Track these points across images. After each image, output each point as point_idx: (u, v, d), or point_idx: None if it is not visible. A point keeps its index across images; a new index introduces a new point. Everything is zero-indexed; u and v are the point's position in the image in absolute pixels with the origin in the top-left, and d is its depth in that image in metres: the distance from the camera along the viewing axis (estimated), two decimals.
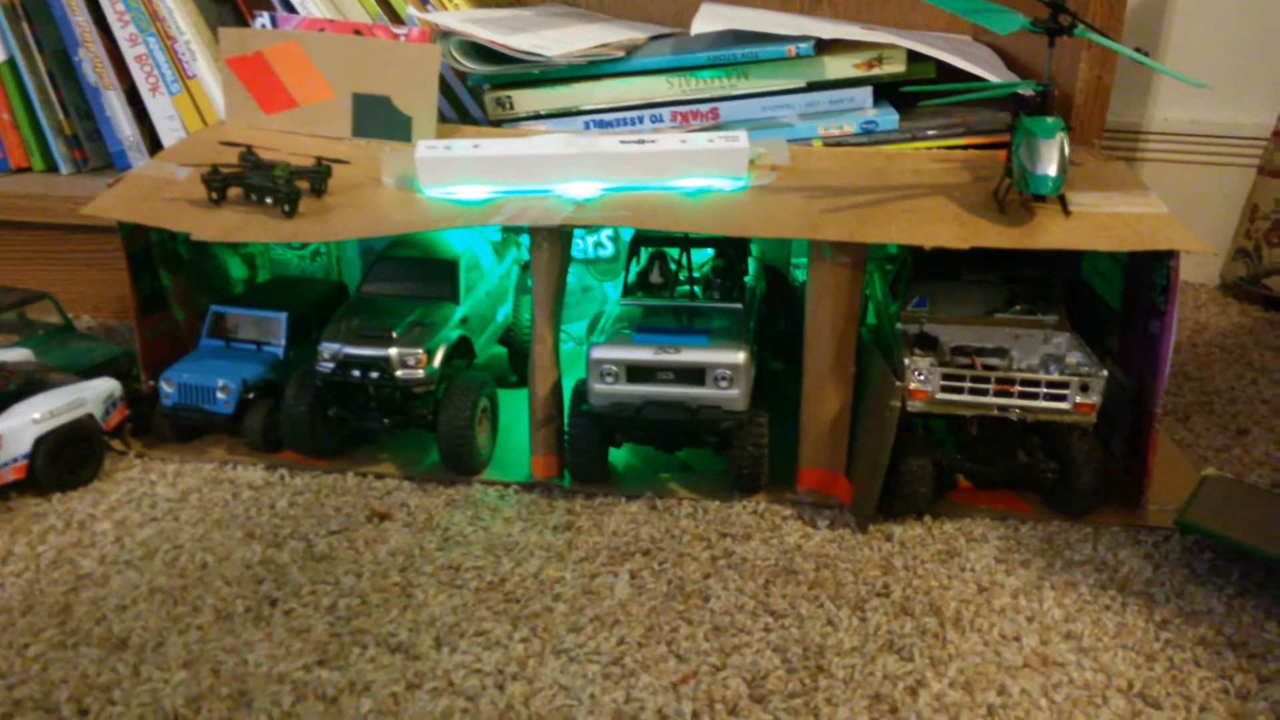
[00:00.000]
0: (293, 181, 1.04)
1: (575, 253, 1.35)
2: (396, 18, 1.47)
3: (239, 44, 1.22)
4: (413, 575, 0.90)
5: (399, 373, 1.00)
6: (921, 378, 0.96)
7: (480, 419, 1.05)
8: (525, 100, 1.35)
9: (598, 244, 1.34)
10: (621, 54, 1.33)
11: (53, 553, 0.91)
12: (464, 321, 1.10)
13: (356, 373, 1.01)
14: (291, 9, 1.37)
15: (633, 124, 1.36)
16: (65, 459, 1.00)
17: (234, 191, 1.06)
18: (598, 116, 1.36)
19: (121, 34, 1.43)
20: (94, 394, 1.03)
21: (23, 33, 1.45)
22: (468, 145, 1.11)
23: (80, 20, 1.43)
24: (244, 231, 1.01)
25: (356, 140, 1.23)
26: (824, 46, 1.29)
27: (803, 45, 1.28)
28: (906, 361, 0.97)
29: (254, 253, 1.29)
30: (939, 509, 1.01)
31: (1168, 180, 1.72)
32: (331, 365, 1.01)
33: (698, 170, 1.11)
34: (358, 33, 1.23)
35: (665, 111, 1.35)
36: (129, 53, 1.43)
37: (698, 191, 1.11)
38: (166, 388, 1.07)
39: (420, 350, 1.01)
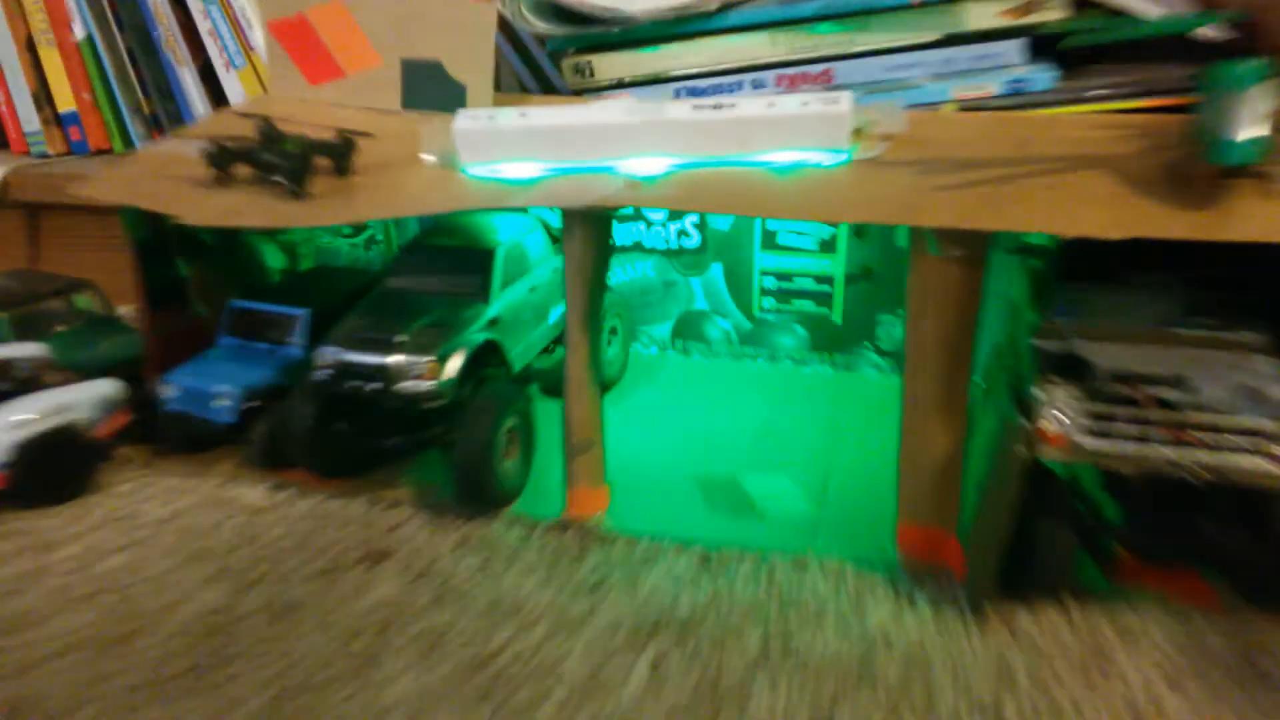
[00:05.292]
0: (307, 157, 0.89)
1: (657, 243, 1.15)
2: None
3: (282, 5, 1.09)
4: (387, 640, 0.73)
5: (401, 385, 0.84)
6: (1061, 416, 0.71)
7: (509, 442, 0.88)
8: (606, 66, 1.16)
9: (681, 232, 1.14)
10: (715, 6, 1.12)
11: (9, 580, 0.80)
12: (494, 323, 0.92)
13: (355, 383, 0.85)
14: None
15: (730, 91, 1.15)
16: (48, 468, 0.89)
17: (245, 170, 0.92)
18: (690, 84, 1.16)
19: (194, 6, 1.34)
20: (86, 397, 0.92)
21: (101, 8, 1.38)
22: (514, 114, 0.93)
23: None
24: (243, 215, 0.87)
25: (409, 114, 1.08)
26: None
27: None
28: (1040, 393, 0.72)
29: (295, 240, 1.16)
30: (1085, 591, 0.76)
31: None
32: (328, 373, 0.86)
33: (787, 141, 0.89)
34: None
35: (769, 75, 1.13)
36: (201, 26, 1.34)
37: (788, 168, 0.89)
38: (168, 391, 0.95)
39: (428, 358, 0.84)
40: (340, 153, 0.93)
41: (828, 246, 1.10)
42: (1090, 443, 0.71)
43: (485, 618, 0.75)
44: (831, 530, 0.86)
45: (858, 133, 0.91)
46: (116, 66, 1.40)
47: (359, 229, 1.17)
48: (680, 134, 0.90)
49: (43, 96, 1.43)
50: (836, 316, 1.12)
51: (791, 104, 0.91)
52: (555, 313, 1.05)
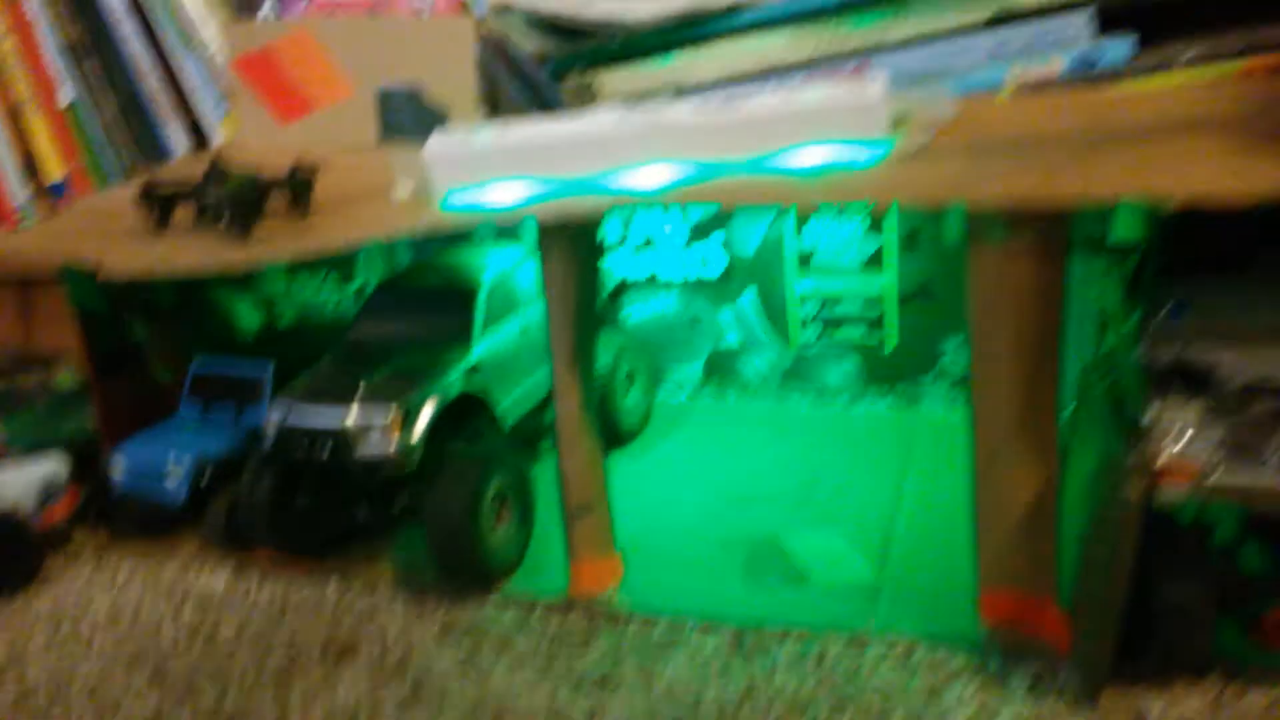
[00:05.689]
0: (255, 195, 0.78)
1: (675, 273, 1.01)
2: None
3: (247, 40, 0.99)
4: None
5: (360, 450, 0.70)
6: (1184, 440, 0.55)
7: (498, 508, 0.74)
8: (611, 83, 1.04)
9: (703, 259, 0.99)
10: (724, 5, 1.00)
11: None
12: (474, 371, 0.78)
13: (305, 444, 0.72)
14: None
15: None
16: None
17: (185, 214, 0.81)
18: (706, 95, 1.03)
19: (173, 61, 1.26)
20: (22, 482, 0.81)
21: (87, 71, 1.31)
22: (492, 130, 0.81)
23: (136, 50, 1.28)
24: (175, 261, 0.75)
25: (386, 148, 0.97)
26: None
27: None
28: (1153, 415, 0.56)
29: (273, 295, 1.04)
30: (1234, 666, 0.58)
31: None
32: (273, 436, 0.73)
33: (811, 135, 0.75)
34: (373, 11, 0.97)
35: (795, 78, 1.00)
36: (184, 81, 1.26)
37: (816, 170, 0.75)
38: (117, 467, 0.83)
39: (388, 417, 0.70)
40: (297, 189, 0.81)
41: (874, 263, 0.95)
42: (1223, 474, 0.55)
43: None
44: (896, 600, 0.70)
45: (898, 123, 0.77)
46: (105, 130, 1.32)
47: (346, 277, 1.05)
48: (685, 139, 0.77)
49: (30, 167, 1.36)
50: (891, 344, 0.97)
51: (814, 93, 0.77)
52: None
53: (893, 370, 0.98)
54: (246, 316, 1.02)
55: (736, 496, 0.86)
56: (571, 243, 0.68)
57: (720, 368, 1.03)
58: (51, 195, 1.36)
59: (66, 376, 1.03)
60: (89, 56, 1.31)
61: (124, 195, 0.88)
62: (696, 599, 0.71)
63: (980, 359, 0.60)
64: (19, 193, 1.37)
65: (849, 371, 0.99)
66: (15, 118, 1.34)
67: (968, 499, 0.63)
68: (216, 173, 0.81)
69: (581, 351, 0.69)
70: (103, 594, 0.79)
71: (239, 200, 0.76)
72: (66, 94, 1.33)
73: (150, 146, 1.32)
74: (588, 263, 0.69)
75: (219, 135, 1.25)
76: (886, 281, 0.95)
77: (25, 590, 0.80)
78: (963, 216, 0.60)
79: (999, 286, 0.59)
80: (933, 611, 0.67)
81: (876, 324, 0.97)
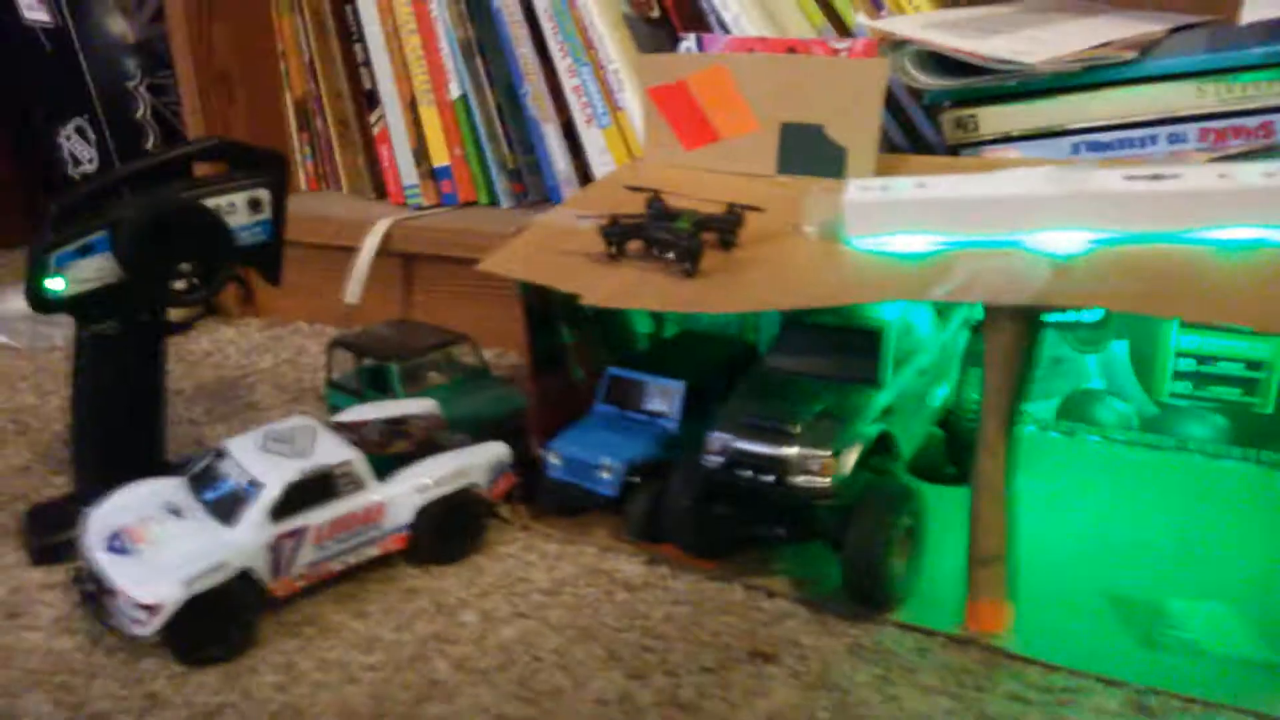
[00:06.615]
0: (697, 235, 0.88)
1: (1051, 314, 1.04)
2: (845, 29, 1.27)
3: (661, 72, 1.09)
4: None
5: (797, 479, 0.80)
6: None
7: (901, 542, 0.82)
8: (993, 119, 1.08)
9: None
10: (1133, 55, 1.00)
11: (414, 645, 0.84)
12: (887, 412, 0.86)
13: (747, 473, 0.82)
14: (725, 28, 1.22)
15: (1140, 146, 1.03)
16: (446, 531, 0.93)
17: (635, 244, 0.92)
18: (1091, 137, 1.05)
19: (561, 65, 1.39)
20: (481, 461, 0.95)
21: (476, 68, 1.46)
22: (910, 184, 0.87)
23: (524, 52, 1.41)
24: (637, 296, 0.86)
25: (782, 179, 1.04)
26: None
27: None
28: None
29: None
30: None
31: None
32: (720, 459, 0.83)
33: (1243, 218, 0.77)
34: (791, 50, 1.04)
35: (1191, 129, 1.00)
36: (567, 84, 1.38)
37: (1240, 245, 0.77)
38: (553, 460, 0.97)
39: (826, 453, 0.79)
40: (727, 228, 0.90)
41: None
42: None
43: None
44: None
45: None
46: (486, 123, 1.48)
47: None
48: (1109, 206, 0.80)
49: (421, 152, 1.53)
50: (1268, 406, 0.97)
51: (1251, 173, 0.78)
52: (938, 396, 0.97)
53: (1265, 433, 0.98)
54: (641, 323, 1.13)
55: (1106, 547, 0.90)
56: (1018, 318, 0.74)
57: (1077, 409, 1.06)
58: (435, 178, 1.54)
59: (461, 353, 1.17)
60: (479, 55, 1.45)
61: (567, 219, 1.00)
62: (1087, 651, 0.77)
63: None
64: (410, 174, 1.55)
65: (1217, 428, 1.00)
66: (413, 108, 1.52)
67: None
68: (661, 209, 0.92)
69: (1014, 416, 0.75)
70: (539, 567, 0.93)
71: (689, 241, 0.86)
72: (456, 88, 1.49)
73: (524, 143, 1.46)
74: (1030, 337, 0.75)
75: (596, 140, 1.37)
76: (1276, 347, 0.95)
77: (472, 557, 0.95)
78: None
79: None
80: None
81: (1254, 387, 0.97)
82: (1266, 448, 0.98)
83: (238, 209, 1.00)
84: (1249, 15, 0.96)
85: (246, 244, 1.01)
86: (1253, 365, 0.97)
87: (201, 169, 1.07)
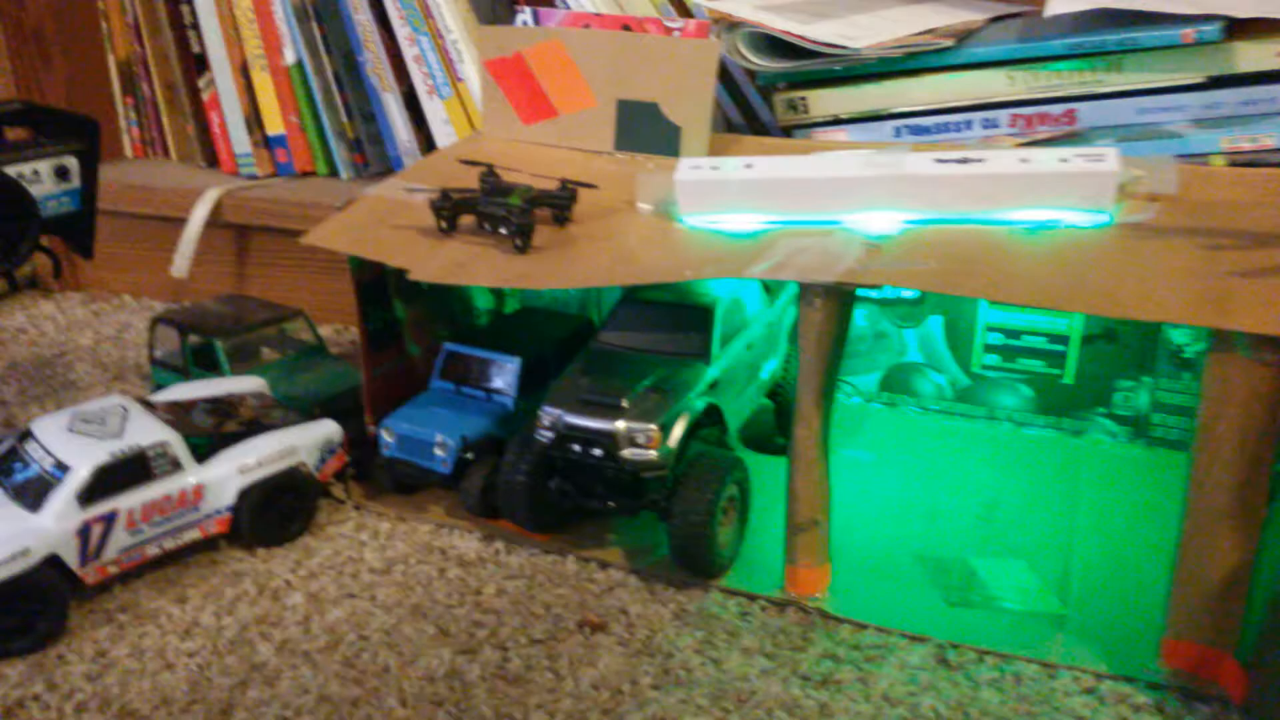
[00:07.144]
0: (529, 211, 0.87)
1: (871, 290, 1.09)
2: (684, 10, 1.28)
3: (499, 44, 1.08)
4: None
5: (625, 452, 0.81)
6: None
7: (726, 511, 0.84)
8: (823, 102, 1.11)
9: None
10: (950, 42, 1.05)
11: (235, 628, 0.81)
12: (714, 386, 0.89)
13: (577, 447, 0.83)
14: (565, 3, 1.22)
15: (957, 130, 1.08)
16: (271, 512, 0.91)
17: (468, 219, 0.91)
18: (913, 121, 1.09)
19: (401, 32, 1.35)
20: (309, 440, 0.93)
21: (311, 33, 1.41)
22: (738, 165, 0.89)
23: (363, 19, 1.37)
24: (466, 272, 0.86)
25: (619, 155, 1.05)
26: (1237, 28, 0.94)
27: (1207, 28, 0.94)
28: None
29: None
30: None
31: None
32: (551, 434, 0.84)
33: (1043, 200, 0.82)
34: (626, 28, 1.05)
35: (1003, 115, 1.06)
36: (407, 53, 1.35)
37: (1039, 226, 0.82)
38: (386, 437, 0.95)
39: (652, 426, 0.81)
40: (562, 204, 0.91)
41: None
42: None
43: (714, 705, 0.72)
44: (1077, 631, 0.79)
45: (1121, 189, 0.83)
46: (323, 91, 1.43)
47: None
48: (921, 188, 0.85)
49: (253, 120, 1.47)
50: (1069, 377, 1.04)
51: (1049, 160, 0.84)
52: (766, 369, 1.01)
53: (1066, 402, 1.05)
54: (481, 298, 1.12)
55: (920, 510, 0.95)
56: (835, 297, 0.77)
57: (897, 381, 1.11)
58: (270, 147, 1.48)
59: (294, 328, 1.14)
60: (315, 20, 1.40)
61: (399, 193, 0.98)
62: (897, 609, 0.81)
63: (1204, 444, 0.68)
64: (242, 142, 1.49)
65: (1024, 398, 1.07)
66: (244, 73, 1.46)
67: (1140, 537, 0.71)
68: (495, 184, 0.91)
69: (828, 388, 0.78)
70: (371, 547, 0.92)
71: (521, 216, 0.86)
72: (291, 54, 1.43)
73: (364, 111, 1.42)
74: (844, 315, 0.78)
75: (438, 110, 1.35)
76: (1074, 322, 1.02)
77: (302, 539, 0.93)
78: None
79: (1233, 388, 0.66)
80: (1111, 646, 0.76)
81: (1057, 359, 1.04)
82: (1067, 415, 1.06)
83: (42, 177, 0.94)
84: (1053, 8, 1.01)
85: (53, 214, 0.96)
86: (1056, 339, 1.04)
87: (6, 135, 1.00)
